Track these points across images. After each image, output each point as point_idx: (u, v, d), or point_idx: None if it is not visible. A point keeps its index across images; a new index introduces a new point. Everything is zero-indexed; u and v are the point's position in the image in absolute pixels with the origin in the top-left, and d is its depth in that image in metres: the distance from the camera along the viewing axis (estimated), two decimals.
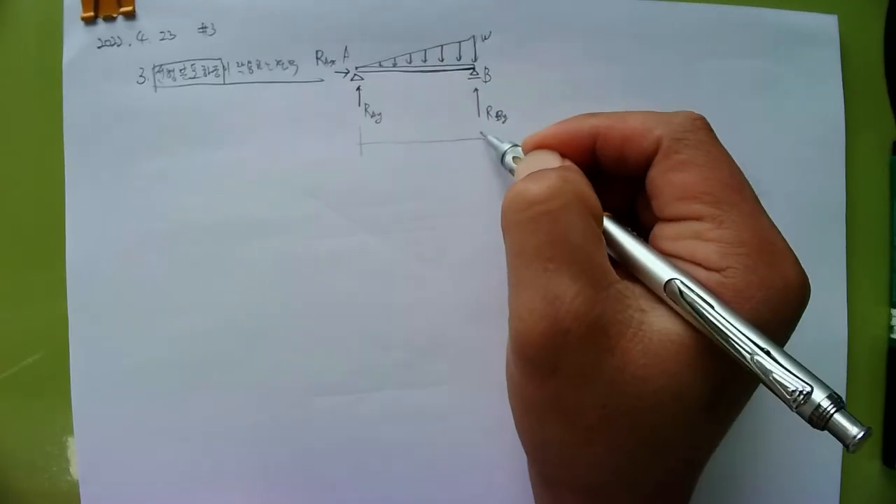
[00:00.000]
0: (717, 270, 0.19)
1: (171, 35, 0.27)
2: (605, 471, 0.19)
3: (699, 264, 0.19)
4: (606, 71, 0.28)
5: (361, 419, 0.27)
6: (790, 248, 0.19)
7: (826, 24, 0.29)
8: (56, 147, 0.27)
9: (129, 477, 0.27)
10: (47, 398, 0.27)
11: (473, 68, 0.28)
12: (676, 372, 0.18)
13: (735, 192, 0.19)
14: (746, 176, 0.29)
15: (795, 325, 0.20)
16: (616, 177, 0.23)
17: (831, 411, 0.16)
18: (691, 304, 0.18)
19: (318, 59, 0.27)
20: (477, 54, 0.28)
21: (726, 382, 0.19)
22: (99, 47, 0.27)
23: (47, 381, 0.27)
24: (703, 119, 0.21)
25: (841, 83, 0.29)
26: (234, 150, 0.27)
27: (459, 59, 0.28)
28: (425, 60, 0.27)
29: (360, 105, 0.27)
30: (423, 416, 0.27)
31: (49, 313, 0.27)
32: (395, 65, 0.27)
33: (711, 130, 0.21)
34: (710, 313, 0.17)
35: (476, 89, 0.28)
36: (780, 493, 0.29)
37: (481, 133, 0.27)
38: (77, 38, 0.26)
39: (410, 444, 0.28)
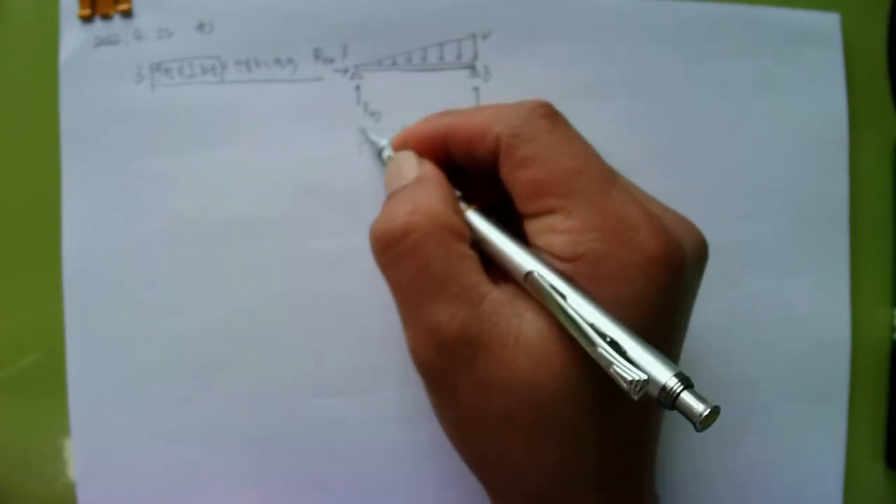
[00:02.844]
0: (572, 261, 0.19)
1: (168, 33, 0.26)
2: (539, 476, 0.19)
3: (557, 256, 0.19)
4: (606, 70, 0.28)
5: (360, 420, 0.27)
6: (652, 218, 0.19)
7: (828, 23, 0.29)
8: (52, 146, 0.26)
9: (125, 479, 0.27)
10: (44, 399, 0.27)
11: (473, 67, 0.28)
12: (564, 370, 0.18)
13: (579, 176, 0.19)
14: (748, 175, 0.29)
15: (681, 291, 0.20)
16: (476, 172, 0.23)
17: (677, 390, 0.16)
18: (547, 297, 0.18)
19: (316, 57, 0.27)
20: (477, 53, 0.28)
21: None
22: (96, 46, 0.26)
23: (44, 383, 0.27)
24: (544, 107, 0.20)
25: (844, 82, 0.29)
26: (233, 149, 0.27)
27: (459, 57, 0.27)
28: (425, 59, 0.27)
29: (359, 104, 0.27)
30: (422, 417, 0.27)
31: (45, 314, 0.27)
32: (394, 63, 0.27)
33: (554, 116, 0.20)
34: (561, 304, 0.18)
35: (476, 88, 0.28)
36: (782, 493, 0.29)
37: (360, 129, 0.27)
38: (74, 37, 0.26)
39: (410, 444, 0.27)
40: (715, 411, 0.15)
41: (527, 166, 0.19)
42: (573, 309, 0.17)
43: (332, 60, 0.27)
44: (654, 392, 0.16)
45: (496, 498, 0.21)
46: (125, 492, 0.27)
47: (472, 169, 0.22)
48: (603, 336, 0.17)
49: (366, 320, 0.27)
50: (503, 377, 0.18)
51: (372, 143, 0.26)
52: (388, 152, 0.25)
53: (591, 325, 0.17)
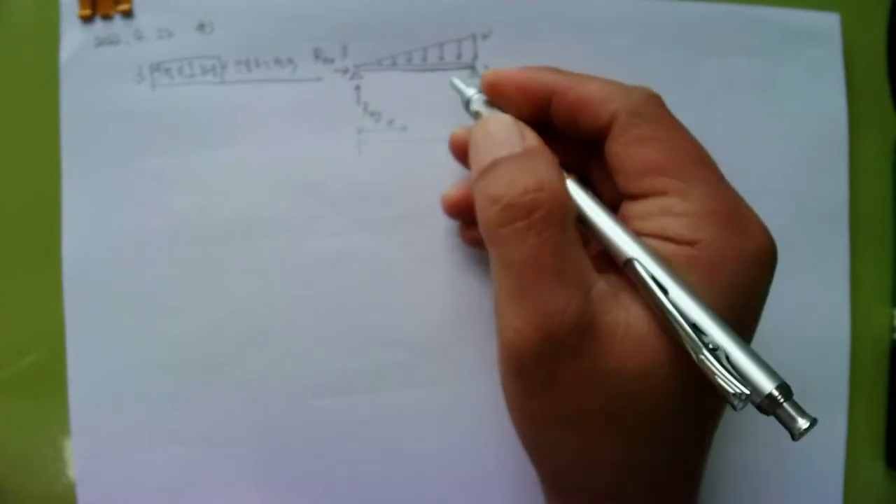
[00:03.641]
0: (689, 244, 0.18)
1: (168, 33, 0.26)
2: (620, 472, 0.19)
3: (671, 239, 0.19)
4: (606, 70, 0.28)
5: (360, 420, 0.27)
6: (756, 214, 0.19)
7: (828, 23, 0.29)
8: (53, 146, 0.26)
9: (125, 478, 0.27)
10: (44, 399, 0.27)
11: (473, 67, 0.28)
12: (669, 361, 0.18)
13: (698, 163, 0.19)
14: (747, 175, 0.29)
15: (769, 287, 0.20)
16: (571, 136, 0.22)
17: (780, 401, 0.16)
18: (647, 289, 0.18)
19: (316, 57, 0.27)
20: (477, 53, 0.28)
21: None
22: (96, 46, 0.26)
23: (44, 383, 0.27)
24: (660, 97, 0.20)
25: (843, 82, 0.29)
26: (233, 149, 0.27)
27: (459, 58, 0.27)
28: (425, 59, 0.27)
29: (358, 104, 0.27)
30: (422, 417, 0.27)
31: (45, 314, 0.27)
32: (394, 63, 0.27)
33: (666, 108, 0.20)
34: (662, 300, 0.17)
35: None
36: (781, 493, 0.29)
37: (451, 80, 0.25)
38: (74, 37, 0.26)
39: (410, 444, 0.27)
40: (813, 423, 0.16)
41: (644, 145, 0.19)
42: (675, 306, 0.17)
43: (331, 60, 0.27)
44: (756, 400, 0.16)
45: (557, 494, 0.21)
46: (125, 492, 0.27)
47: (565, 132, 0.22)
48: (704, 340, 0.17)
49: (366, 320, 0.27)
50: (611, 369, 0.18)
51: (459, 92, 0.24)
52: (477, 106, 0.23)
53: (693, 326, 0.17)
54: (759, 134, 0.29)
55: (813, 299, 0.29)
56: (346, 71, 0.27)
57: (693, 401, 0.19)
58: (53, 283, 0.26)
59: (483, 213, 0.19)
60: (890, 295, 0.30)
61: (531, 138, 0.20)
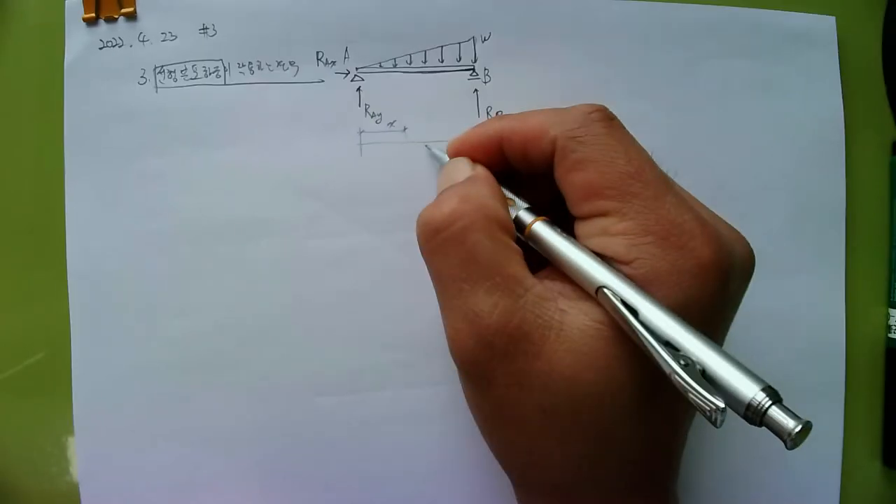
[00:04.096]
0: (626, 263, 0.19)
1: (172, 36, 0.27)
2: (567, 470, 0.19)
3: (611, 258, 0.19)
4: (606, 72, 0.28)
5: (362, 419, 0.27)
6: (705, 225, 0.19)
7: (824, 26, 0.29)
8: (57, 148, 0.27)
9: (129, 477, 0.27)
10: (48, 398, 0.27)
11: (473, 69, 0.28)
12: (606, 367, 0.18)
13: (635, 180, 0.19)
14: (745, 176, 0.29)
15: (729, 299, 0.20)
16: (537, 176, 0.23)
17: (765, 406, 0.15)
18: (619, 314, 0.18)
19: (318, 59, 0.27)
20: (477, 55, 0.28)
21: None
22: (100, 48, 0.27)
23: (48, 382, 0.27)
24: (600, 110, 0.21)
25: (840, 84, 0.29)
26: (235, 150, 0.27)
27: (459, 59, 0.28)
28: (425, 61, 0.28)
29: (360, 105, 0.27)
30: (422, 416, 0.27)
31: (50, 314, 0.27)
32: (395, 66, 0.27)
33: (610, 120, 0.20)
34: (633, 324, 0.17)
35: (476, 90, 0.28)
36: (780, 492, 0.29)
37: (426, 146, 0.27)
38: (78, 39, 0.27)
39: (410, 443, 0.28)
40: (807, 427, 0.15)
41: (581, 169, 0.20)
42: (644, 326, 0.17)
43: (333, 63, 0.27)
44: (740, 410, 0.15)
45: (522, 491, 0.21)
46: (128, 490, 0.27)
47: (526, 172, 0.22)
48: (677, 357, 0.16)
49: (366, 320, 0.27)
50: (543, 370, 0.18)
51: (437, 159, 0.26)
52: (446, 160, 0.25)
53: (667, 343, 0.17)
54: (757, 135, 0.29)
55: (809, 300, 0.29)
56: (347, 73, 0.27)
57: (642, 408, 0.19)
58: (57, 283, 0.27)
59: (416, 231, 0.20)
60: (886, 295, 0.30)
61: (479, 169, 0.22)
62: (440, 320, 0.27)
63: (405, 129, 0.27)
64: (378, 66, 0.27)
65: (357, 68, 0.27)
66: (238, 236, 0.27)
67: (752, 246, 0.21)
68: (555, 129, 0.20)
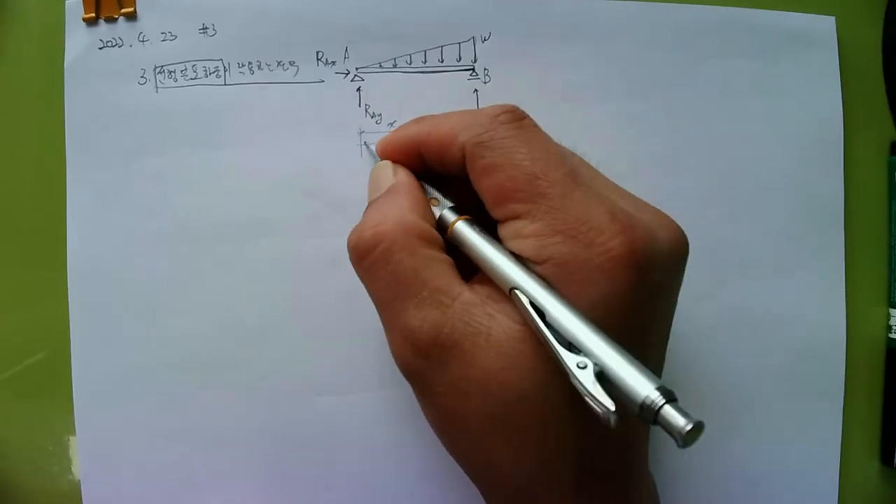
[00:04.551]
0: (539, 264, 0.19)
1: (172, 36, 0.27)
2: (519, 474, 0.19)
3: (526, 260, 0.19)
4: (606, 71, 0.28)
5: (362, 419, 0.27)
6: (615, 218, 0.18)
7: (824, 26, 0.29)
8: (57, 147, 0.27)
9: (130, 476, 0.27)
10: (48, 398, 0.27)
11: (473, 69, 0.28)
12: (531, 368, 0.18)
13: (540, 180, 0.19)
14: (745, 176, 0.29)
15: (652, 290, 0.19)
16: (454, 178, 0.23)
17: (658, 404, 0.15)
18: (528, 315, 0.18)
19: (318, 59, 0.27)
20: (477, 55, 0.28)
21: None
22: (100, 48, 0.27)
23: (48, 381, 0.27)
24: (508, 112, 0.20)
25: (839, 84, 0.29)
26: (235, 150, 0.27)
27: (459, 60, 0.28)
28: (425, 61, 0.28)
29: (360, 106, 0.27)
30: (422, 416, 0.27)
31: (51, 313, 0.27)
32: (395, 66, 0.27)
33: (519, 120, 0.20)
34: (539, 325, 0.17)
35: (476, 90, 0.28)
36: (778, 491, 0.29)
37: (365, 143, 0.27)
38: (79, 39, 0.27)
39: (410, 443, 0.28)
40: (698, 426, 0.15)
41: (490, 174, 0.20)
42: (549, 330, 0.17)
43: (333, 63, 0.27)
44: (635, 409, 0.16)
45: (485, 495, 0.22)
46: (129, 489, 0.27)
47: (447, 175, 0.22)
48: (574, 360, 0.17)
49: (366, 320, 0.27)
50: (477, 377, 0.18)
51: (374, 157, 0.26)
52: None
53: (570, 345, 0.17)
54: (757, 135, 0.29)
55: (809, 299, 0.29)
56: (347, 73, 0.27)
57: (578, 403, 0.18)
58: (58, 283, 0.27)
59: (349, 257, 0.21)
60: (885, 295, 0.30)
61: (400, 175, 0.22)
62: None
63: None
64: (378, 66, 0.27)
65: (357, 68, 0.27)
66: (238, 236, 0.27)
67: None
68: (463, 134, 0.20)
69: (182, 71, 0.27)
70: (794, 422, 0.29)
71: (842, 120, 0.29)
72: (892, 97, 0.30)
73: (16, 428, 0.28)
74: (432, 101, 0.27)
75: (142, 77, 0.27)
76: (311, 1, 0.27)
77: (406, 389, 0.27)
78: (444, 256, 0.20)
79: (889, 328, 0.30)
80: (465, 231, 0.21)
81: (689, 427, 0.15)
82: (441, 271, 0.20)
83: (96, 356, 0.27)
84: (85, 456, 0.27)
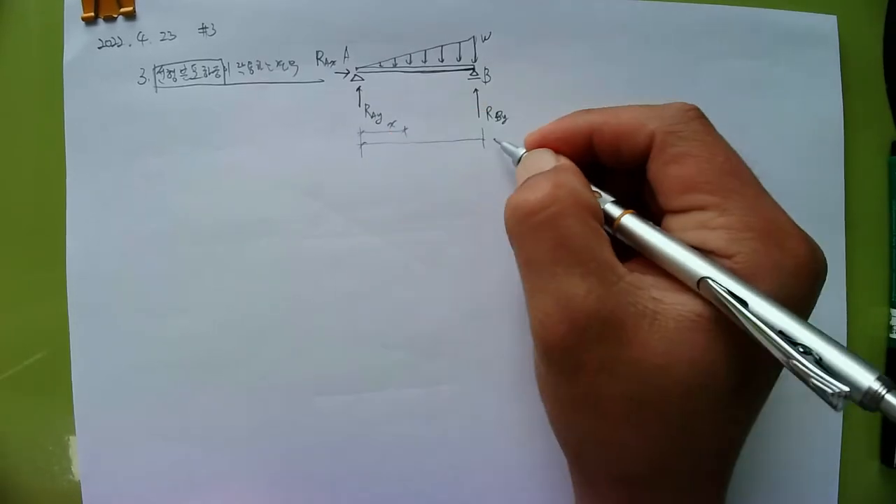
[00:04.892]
0: (727, 257, 0.19)
1: (171, 35, 0.27)
2: (640, 461, 0.19)
3: (710, 252, 0.19)
4: (606, 71, 0.28)
5: (362, 419, 0.27)
6: (797, 226, 0.19)
7: (825, 25, 0.29)
8: (57, 147, 0.27)
9: (130, 476, 0.27)
10: (49, 398, 0.27)
11: (473, 69, 0.28)
12: (698, 359, 0.18)
13: (734, 177, 0.20)
14: None
15: (815, 300, 0.20)
16: (619, 169, 0.23)
17: (882, 393, 0.16)
18: (726, 304, 0.18)
19: (318, 59, 0.27)
20: (477, 55, 0.28)
21: (753, 362, 0.19)
22: (99, 48, 0.27)
23: (48, 381, 0.27)
24: (695, 109, 0.21)
25: (840, 83, 0.29)
26: (235, 150, 0.27)
27: (459, 59, 0.28)
28: (425, 61, 0.27)
29: (360, 105, 0.27)
30: (423, 416, 0.28)
31: (50, 313, 0.27)
32: (395, 65, 0.27)
33: (705, 119, 0.21)
34: (745, 313, 0.17)
35: (476, 90, 0.28)
36: (778, 492, 0.29)
37: (495, 140, 0.27)
38: (78, 39, 0.26)
39: (410, 443, 0.28)
40: None
41: (680, 163, 0.20)
42: (758, 317, 0.17)
43: (333, 62, 0.27)
44: (857, 397, 0.16)
45: (586, 481, 0.21)
46: (130, 489, 0.27)
47: (611, 166, 0.22)
48: (794, 345, 0.17)
49: (366, 320, 0.27)
50: (634, 358, 0.18)
51: (510, 154, 0.26)
52: (523, 153, 0.25)
53: (780, 333, 0.17)
54: (757, 135, 0.29)
55: None
56: (347, 73, 0.27)
57: (728, 403, 0.19)
58: (57, 282, 0.27)
59: (506, 219, 0.20)
60: (886, 295, 0.30)
61: (563, 160, 0.22)
62: (440, 320, 0.28)
63: (405, 129, 0.27)
64: (378, 65, 0.27)
65: (357, 68, 0.27)
66: (238, 236, 0.27)
67: None
68: (652, 123, 0.20)
69: (181, 70, 0.27)
70: (794, 422, 0.29)
71: (842, 119, 0.29)
72: (892, 97, 0.30)
73: (16, 428, 0.28)
74: (432, 100, 0.27)
75: (141, 77, 0.27)
76: (311, 0, 0.27)
77: (406, 390, 0.27)
78: (608, 237, 0.20)
79: (890, 328, 0.30)
80: (637, 223, 0.21)
81: None
82: (608, 248, 0.19)
83: (96, 356, 0.27)
84: (85, 456, 0.27)
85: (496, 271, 0.27)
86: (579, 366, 0.19)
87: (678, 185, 0.20)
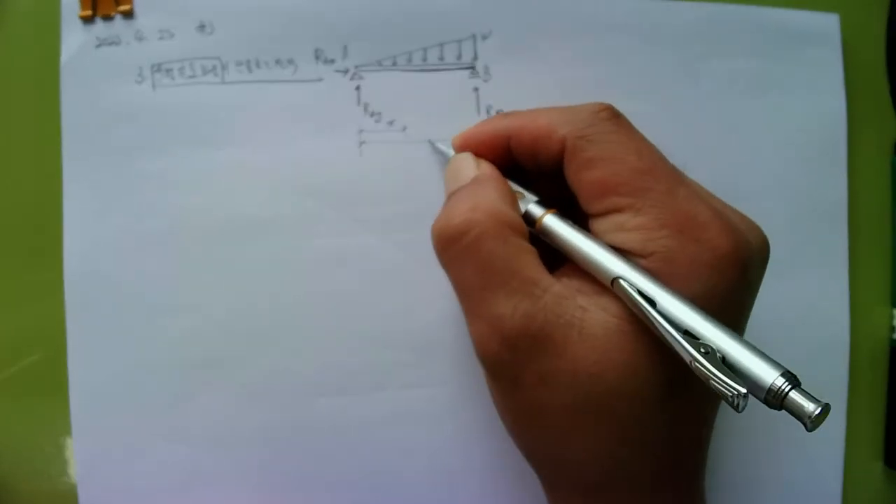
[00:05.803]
0: (643, 257, 0.19)
1: (169, 34, 0.27)
2: (596, 468, 0.20)
3: (628, 253, 0.19)
4: (606, 70, 0.28)
5: (362, 419, 0.27)
6: (720, 217, 0.19)
7: (828, 24, 0.29)
8: (54, 147, 0.26)
9: (127, 478, 0.27)
10: (45, 399, 0.27)
11: (473, 67, 0.28)
12: (628, 362, 0.18)
13: (646, 175, 0.19)
14: (747, 175, 0.29)
15: (751, 290, 0.20)
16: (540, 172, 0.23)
17: (785, 390, 0.15)
18: (636, 304, 0.18)
19: (317, 58, 0.27)
20: (477, 53, 0.28)
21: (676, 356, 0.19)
22: (97, 46, 0.26)
23: (45, 382, 0.27)
24: (608, 108, 0.21)
25: (842, 83, 0.29)
26: (233, 149, 0.27)
27: (459, 58, 0.28)
28: (425, 60, 0.27)
29: (359, 104, 0.27)
30: (423, 417, 0.27)
31: (46, 314, 0.27)
32: (394, 64, 0.27)
33: (618, 117, 0.21)
34: (651, 313, 0.17)
35: (476, 88, 0.28)
36: (781, 493, 0.29)
37: (429, 141, 0.27)
38: (75, 37, 0.26)
39: (411, 444, 0.27)
40: (826, 409, 0.15)
41: (592, 167, 0.20)
42: (663, 316, 0.17)
43: (332, 61, 0.27)
44: (761, 395, 0.16)
45: (550, 489, 0.22)
46: (127, 490, 0.27)
47: (534, 170, 0.22)
48: (697, 346, 0.17)
49: (366, 320, 0.27)
50: (567, 369, 0.18)
51: (441, 154, 0.26)
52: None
53: (686, 333, 0.17)
54: (759, 134, 0.29)
55: (812, 299, 0.29)
56: (346, 71, 0.27)
57: (669, 401, 0.19)
58: (54, 282, 0.26)
59: (432, 244, 0.21)
60: (889, 295, 0.30)
61: (483, 167, 0.22)
62: (440, 320, 0.27)
63: (405, 128, 0.27)
64: (377, 64, 0.27)
65: (356, 66, 0.27)
66: (236, 235, 0.27)
67: None
68: (563, 128, 0.20)
69: (180, 69, 0.27)
70: (797, 423, 0.29)
71: (845, 118, 0.29)
72: (895, 96, 0.30)
73: (12, 430, 0.28)
74: (432, 99, 0.27)
75: (139, 75, 0.27)
76: None
77: (406, 391, 0.27)
78: (532, 248, 0.20)
79: (893, 328, 0.30)
80: (557, 223, 0.21)
81: (817, 411, 0.15)
82: (531, 262, 0.19)
83: (93, 357, 0.27)
84: (82, 457, 0.27)
85: None
86: (517, 381, 0.19)
87: (593, 189, 0.20)
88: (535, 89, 0.28)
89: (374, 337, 0.27)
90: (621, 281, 0.18)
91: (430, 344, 0.27)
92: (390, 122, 0.27)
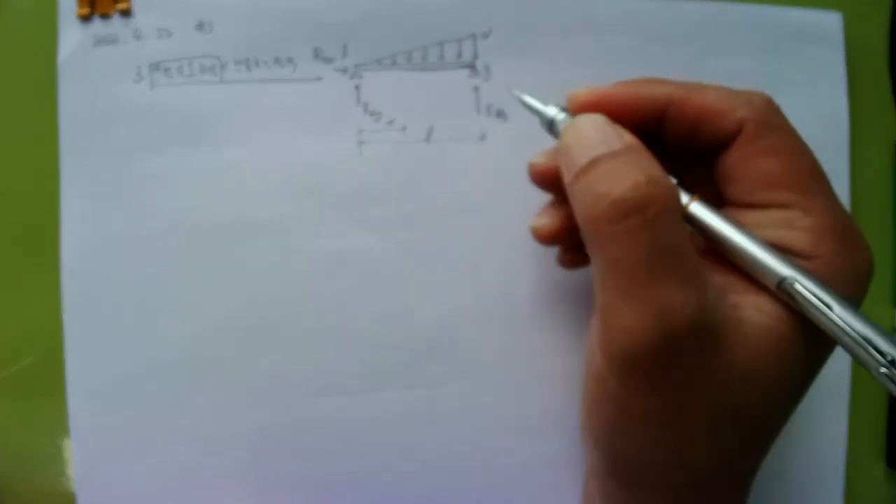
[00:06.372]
0: (807, 259, 0.19)
1: (167, 33, 0.26)
2: (707, 468, 0.19)
3: (790, 252, 0.19)
4: (608, 69, 0.28)
5: (361, 419, 0.27)
6: (861, 231, 0.20)
7: (830, 23, 0.29)
8: (51, 146, 0.26)
9: (126, 478, 0.27)
10: (43, 399, 0.27)
11: (473, 66, 0.27)
12: (777, 364, 0.18)
13: (818, 179, 0.19)
14: None
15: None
16: (675, 148, 0.21)
17: None
18: (809, 307, 0.18)
19: (316, 56, 0.27)
20: (477, 53, 0.27)
21: (819, 362, 0.19)
22: (95, 45, 0.26)
23: (43, 383, 0.27)
24: (773, 101, 0.20)
25: (845, 82, 0.29)
26: (232, 149, 0.27)
27: (459, 57, 0.27)
28: (425, 59, 0.27)
29: (358, 103, 0.27)
30: (424, 417, 0.27)
31: (44, 314, 0.27)
32: (394, 63, 0.27)
33: (784, 115, 0.20)
34: (830, 318, 0.17)
35: (476, 88, 0.27)
36: (782, 493, 0.29)
37: (514, 92, 0.23)
38: (73, 36, 0.26)
39: (412, 444, 0.27)
40: None
41: (769, 157, 0.19)
42: (844, 323, 0.17)
43: (331, 60, 0.27)
44: None
45: (619, 485, 0.21)
46: (125, 491, 0.27)
47: (677, 145, 0.21)
48: (882, 353, 0.16)
49: (366, 320, 0.27)
50: (721, 368, 0.18)
51: (537, 113, 0.22)
52: (562, 117, 0.21)
53: (867, 340, 0.17)
54: None
55: None
56: (345, 70, 0.27)
57: (792, 405, 0.19)
58: (52, 283, 0.26)
59: (588, 211, 0.18)
60: (891, 294, 0.30)
61: (629, 137, 0.19)
62: (440, 320, 0.27)
63: (404, 127, 0.27)
64: (377, 63, 0.27)
65: (355, 66, 0.27)
66: (235, 235, 0.27)
67: None
68: (743, 109, 0.19)
69: (178, 68, 0.26)
70: (799, 423, 0.29)
71: (847, 117, 0.29)
72: None
73: (10, 430, 0.28)
74: (432, 98, 0.27)
75: (137, 74, 0.26)
76: None
77: (406, 391, 0.26)
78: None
79: (893, 328, 0.30)
80: (706, 212, 0.19)
81: None
82: (695, 252, 0.18)
83: (90, 357, 0.27)
84: (80, 458, 0.27)
85: (496, 271, 0.27)
86: (666, 378, 0.18)
87: (764, 179, 0.19)
88: (535, 89, 0.27)
89: (374, 337, 0.27)
90: (794, 283, 0.18)
91: (431, 344, 0.27)
92: (390, 122, 0.27)
